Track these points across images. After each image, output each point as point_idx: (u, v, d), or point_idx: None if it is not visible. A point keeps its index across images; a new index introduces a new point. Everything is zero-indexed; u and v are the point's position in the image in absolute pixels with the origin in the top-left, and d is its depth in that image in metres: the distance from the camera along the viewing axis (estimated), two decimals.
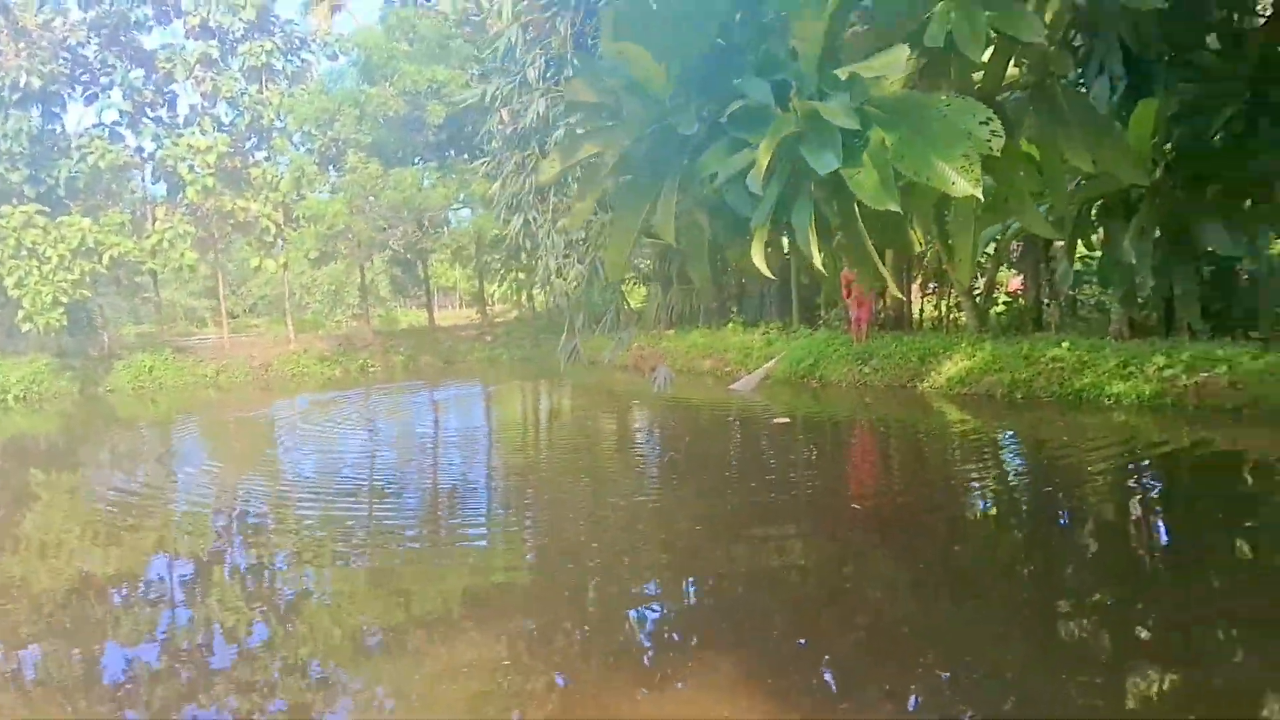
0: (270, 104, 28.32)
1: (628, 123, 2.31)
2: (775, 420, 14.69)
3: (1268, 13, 3.39)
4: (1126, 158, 2.53)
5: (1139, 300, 13.88)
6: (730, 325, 22.71)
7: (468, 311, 44.48)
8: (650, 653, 5.39)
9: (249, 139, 29.31)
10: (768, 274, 2.27)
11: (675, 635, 5.67)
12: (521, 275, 31.69)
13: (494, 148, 12.15)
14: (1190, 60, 3.15)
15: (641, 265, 25.65)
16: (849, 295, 17.06)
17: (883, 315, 19.25)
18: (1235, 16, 3.22)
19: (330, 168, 29.19)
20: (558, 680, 4.97)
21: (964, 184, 1.82)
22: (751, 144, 2.09)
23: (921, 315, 20.32)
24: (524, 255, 23.85)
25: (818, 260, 2.10)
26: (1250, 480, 9.12)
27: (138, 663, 5.53)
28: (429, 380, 24.22)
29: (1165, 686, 4.61)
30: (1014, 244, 16.89)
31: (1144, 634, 5.34)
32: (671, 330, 23.88)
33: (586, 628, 5.79)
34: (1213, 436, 10.53)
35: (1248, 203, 3.44)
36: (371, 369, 27.91)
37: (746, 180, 2.08)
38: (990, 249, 17.73)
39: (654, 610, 6.12)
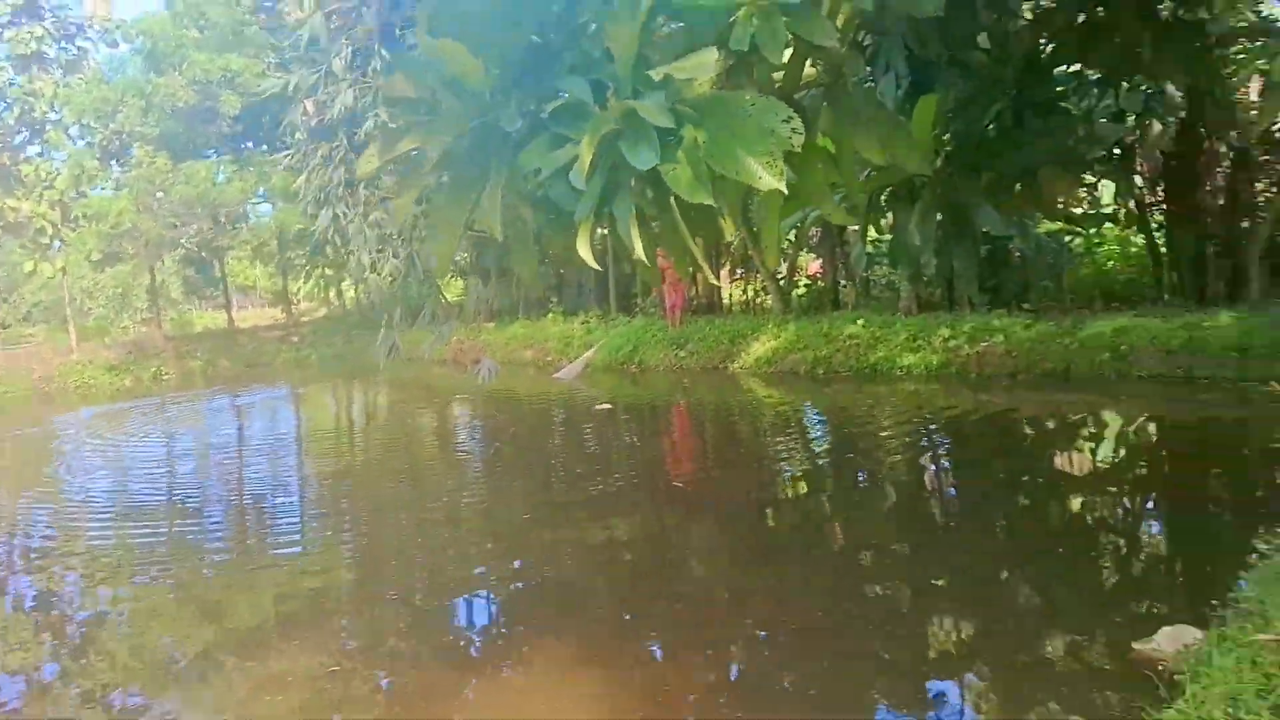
0: (43, 95, 25.73)
1: (448, 118, 2.33)
2: (597, 406, 14.90)
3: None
4: (912, 149, 2.79)
5: (924, 278, 15.04)
6: (550, 315, 22.80)
7: (271, 311, 42.24)
8: (479, 644, 5.41)
9: (19, 133, 26.54)
10: (594, 265, 2.36)
11: (504, 625, 5.71)
12: (329, 271, 30.50)
13: (298, 140, 11.63)
14: (964, 60, 3.49)
15: (459, 258, 25.37)
16: (665, 283, 17.53)
17: (696, 301, 19.89)
18: (1000, 19, 3.57)
19: (113, 162, 26.93)
20: (382, 683, 4.89)
21: (769, 179, 1.97)
22: (573, 140, 2.17)
23: (731, 300, 21.14)
24: (331, 250, 22.98)
25: (639, 250, 2.21)
26: (1025, 435, 10.09)
27: None
28: (230, 385, 22.90)
29: (959, 628, 5.07)
30: (812, 230, 17.87)
31: (939, 582, 5.83)
32: (491, 323, 23.73)
33: (412, 627, 5.72)
34: (992, 399, 11.57)
35: (1017, 188, 3.85)
36: (166, 376, 26.08)
37: (570, 175, 2.16)
38: (792, 235, 18.67)
39: (482, 603, 6.13)
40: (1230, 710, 2.56)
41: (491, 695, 4.66)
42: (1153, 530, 6.83)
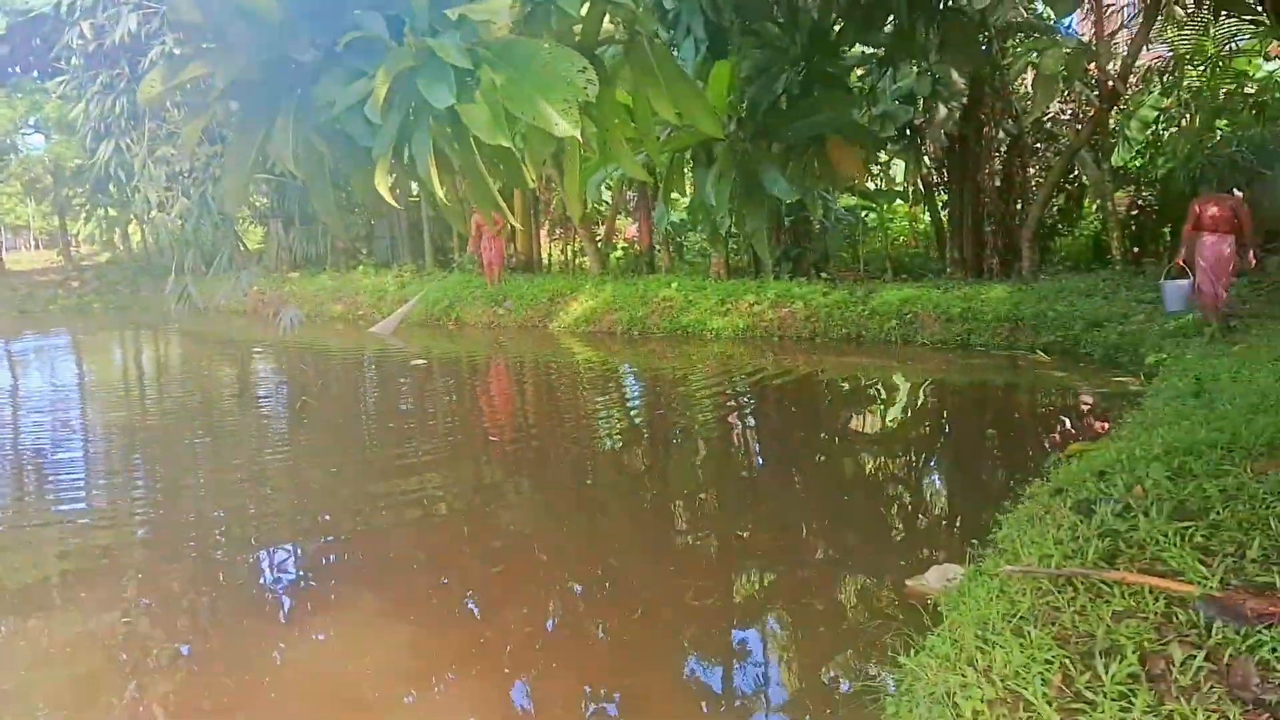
0: None
1: (237, 46, 2.25)
2: (413, 363, 14.63)
3: None
4: (705, 112, 2.93)
5: (729, 243, 15.55)
6: (360, 268, 22.03)
7: (47, 253, 38.46)
8: (284, 605, 5.27)
9: None
10: (393, 203, 2.36)
11: (310, 584, 5.59)
12: (113, 212, 28.08)
13: (74, 66, 10.62)
14: (756, 30, 3.68)
15: (258, 203, 23.98)
16: (478, 240, 17.31)
17: (514, 259, 19.76)
18: None
19: None
20: (182, 650, 4.68)
21: (565, 125, 2.04)
22: (369, 74, 2.16)
23: (550, 259, 21.15)
24: (115, 188, 21.17)
25: (438, 191, 2.23)
26: (821, 395, 10.76)
27: None
28: (2, 332, 20.81)
29: (759, 575, 5.41)
30: (630, 194, 18.14)
31: (743, 533, 6.18)
32: (296, 273, 22.64)
33: (212, 590, 5.49)
34: (792, 361, 12.24)
35: (810, 153, 4.10)
36: None
37: (365, 109, 2.15)
38: (608, 198, 18.86)
39: (286, 565, 5.95)
40: (979, 632, 2.88)
41: (294, 654, 4.58)
42: (930, 481, 7.51)
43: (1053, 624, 2.71)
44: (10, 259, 33.08)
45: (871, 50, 4.53)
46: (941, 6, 3.72)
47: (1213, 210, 9.24)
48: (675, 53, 3.62)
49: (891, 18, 3.60)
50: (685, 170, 4.03)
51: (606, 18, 2.60)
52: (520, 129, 2.53)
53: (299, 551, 6.09)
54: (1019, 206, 14.92)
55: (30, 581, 5.56)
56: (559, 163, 2.98)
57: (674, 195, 4.12)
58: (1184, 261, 9.56)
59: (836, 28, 3.80)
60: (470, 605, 5.16)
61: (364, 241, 23.68)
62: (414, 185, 2.78)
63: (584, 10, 2.50)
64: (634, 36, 2.62)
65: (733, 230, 15.32)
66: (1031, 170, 15.46)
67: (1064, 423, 8.69)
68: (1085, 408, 9.09)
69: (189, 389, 13.51)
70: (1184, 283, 9.72)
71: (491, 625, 4.82)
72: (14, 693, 4.18)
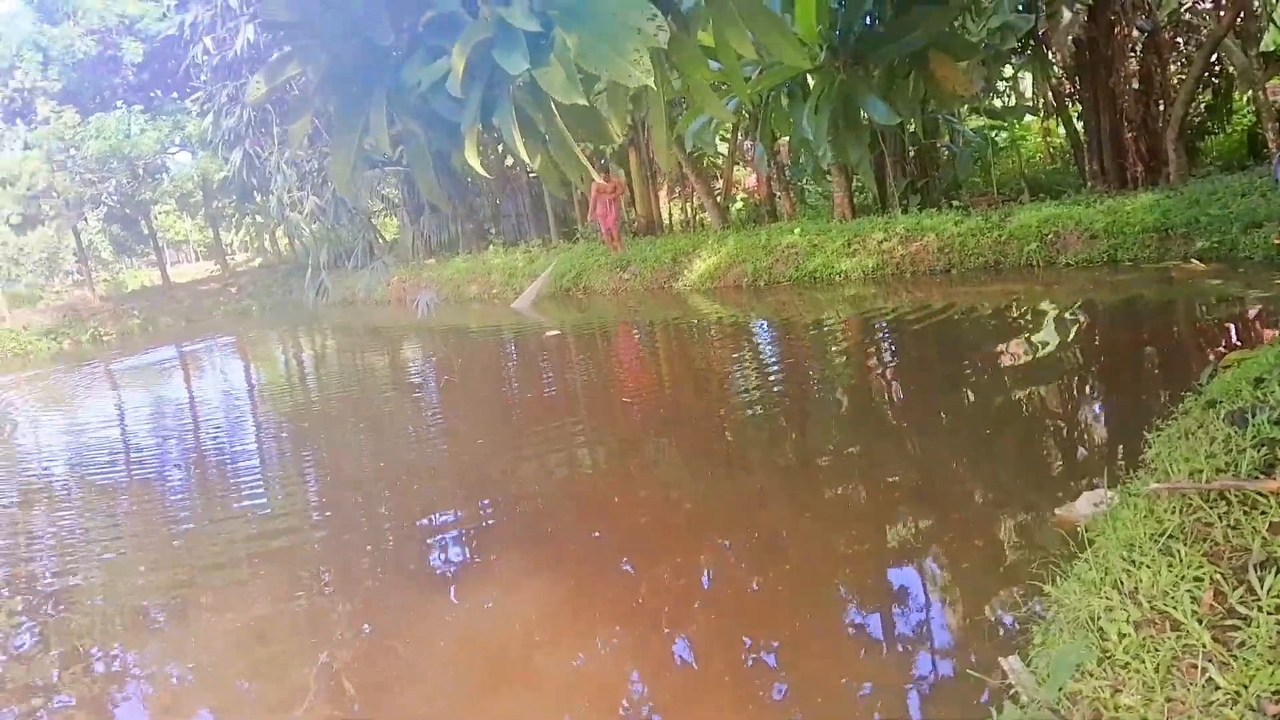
0: None
1: (326, 38, 2.36)
2: (547, 334, 14.98)
3: None
4: (790, 44, 2.86)
5: (823, 171, 15.15)
6: (491, 248, 22.62)
7: (206, 264, 41.29)
8: (450, 574, 5.55)
9: None
10: (483, 173, 2.43)
11: (472, 552, 5.85)
12: (259, 218, 29.84)
13: (203, 81, 11.28)
14: None
15: (390, 195, 24.91)
16: (595, 208, 17.47)
17: (635, 222, 19.86)
18: None
19: (18, 121, 25.87)
20: (359, 621, 4.99)
21: (638, 75, 2.05)
22: (449, 51, 2.22)
23: (671, 219, 21.14)
24: (257, 195, 22.44)
25: (524, 155, 2.29)
26: (961, 329, 10.39)
27: None
28: (172, 341, 22.51)
29: (913, 519, 5.30)
30: (746, 143, 17.85)
31: (893, 479, 6.04)
32: (432, 259, 23.48)
33: (384, 566, 5.82)
34: (929, 296, 11.85)
35: (910, 77, 3.94)
36: (106, 337, 25.54)
37: (447, 86, 2.21)
38: (723, 149, 18.64)
39: (449, 537, 6.22)
40: (1125, 554, 2.77)
41: (463, 615, 4.84)
42: (1082, 407, 7.16)
43: (1203, 540, 2.57)
44: (175, 273, 35.59)
45: None
46: None
47: None
48: None
49: None
50: (784, 107, 3.95)
51: None
52: (601, 87, 2.56)
53: (460, 522, 6.38)
54: (1160, 108, 13.88)
55: (223, 563, 6.05)
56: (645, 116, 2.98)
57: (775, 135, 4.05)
58: None
59: None
60: (624, 562, 5.28)
61: (491, 221, 24.28)
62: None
63: None
64: None
65: (828, 172, 14.89)
66: (1172, 67, 14.32)
67: (1223, 333, 8.10)
68: (1246, 315, 8.44)
69: (344, 379, 14.30)
70: None
71: (646, 579, 4.93)
72: (212, 666, 4.60)
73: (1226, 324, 8.42)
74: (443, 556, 5.81)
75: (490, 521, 6.31)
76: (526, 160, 2.37)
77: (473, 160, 2.34)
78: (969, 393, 7.90)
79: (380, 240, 21.03)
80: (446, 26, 2.26)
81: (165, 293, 29.43)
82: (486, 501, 6.63)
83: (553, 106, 2.34)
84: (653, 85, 2.10)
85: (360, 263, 10.95)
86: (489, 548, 5.81)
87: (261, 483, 8.27)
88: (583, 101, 2.10)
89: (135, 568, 6.24)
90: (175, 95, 25.88)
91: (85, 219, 28.52)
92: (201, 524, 7.14)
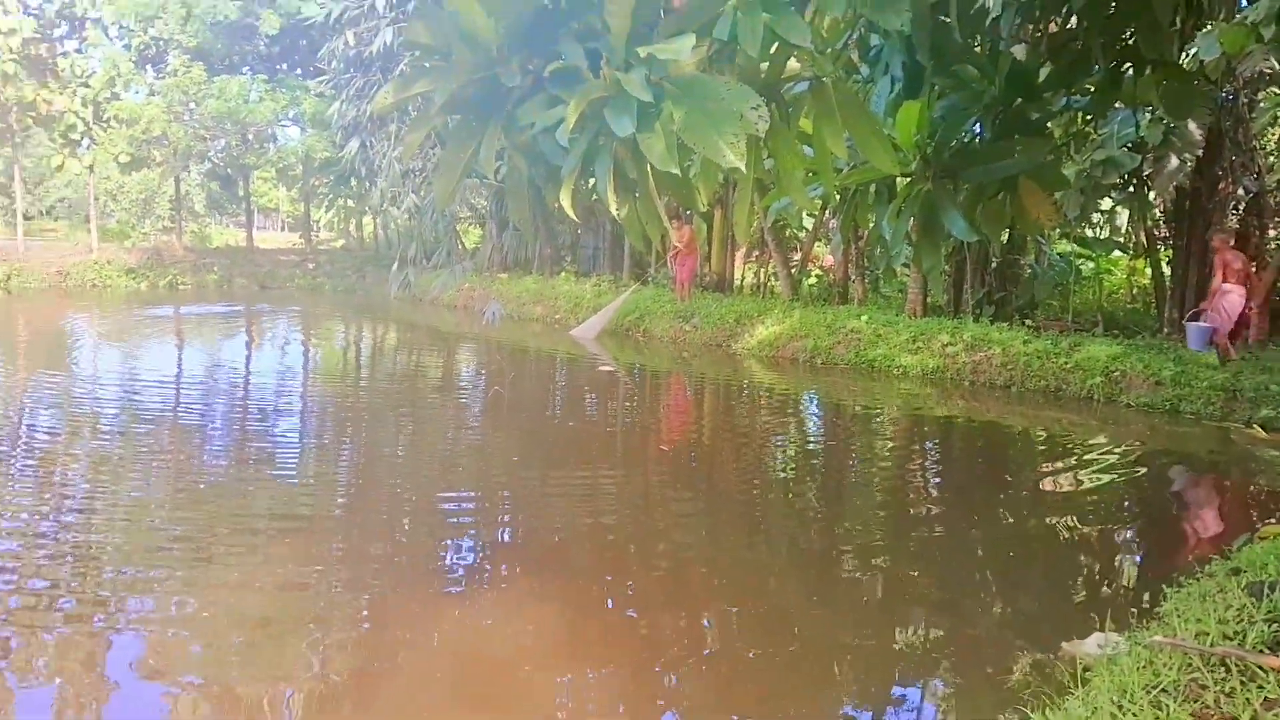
0: None
1: (458, 67, 2.56)
2: (600, 367, 15.18)
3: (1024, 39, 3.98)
4: (884, 149, 3.01)
5: (894, 271, 15.16)
6: (563, 275, 23.00)
7: (290, 236, 42.56)
8: (457, 576, 5.69)
9: (58, 26, 26.75)
10: (574, 216, 2.61)
11: (483, 561, 5.97)
12: (350, 204, 30.72)
13: (335, 69, 11.85)
14: (955, 71, 3.69)
15: (479, 205, 25.55)
16: (674, 256, 17.72)
17: (707, 277, 20.07)
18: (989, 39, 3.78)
19: (149, 68, 27.16)
20: (360, 605, 5.14)
21: (731, 157, 2.21)
22: (565, 101, 2.40)
23: (743, 281, 21.31)
24: (355, 182, 23.19)
25: (613, 206, 2.46)
26: (1012, 445, 10.32)
27: None
28: (246, 303, 23.23)
29: (922, 621, 5.30)
30: (830, 222, 18.01)
31: (913, 572, 6.05)
32: (505, 274, 23.95)
33: (396, 555, 5.98)
34: (984, 408, 11.79)
35: (998, 199, 4.06)
36: (182, 286, 26.47)
37: (558, 133, 2.40)
38: (808, 224, 18.82)
39: (464, 541, 6.36)
40: (1115, 700, 2.81)
41: (463, 618, 4.97)
42: (1116, 547, 7.06)
43: (1195, 701, 2.60)
44: (260, 238, 36.71)
45: (1079, 97, 4.40)
46: (1156, 57, 3.60)
47: None
48: (873, 87, 3.70)
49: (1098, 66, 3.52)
50: (867, 205, 4.09)
51: (793, 59, 2.75)
52: (695, 158, 2.72)
53: (477, 529, 6.54)
54: (1253, 269, 13.70)
55: (240, 529, 6.26)
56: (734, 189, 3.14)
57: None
58: None
59: (1041, 72, 3.75)
60: (629, 605, 5.37)
61: (569, 250, 24.73)
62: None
63: (774, 48, 2.65)
64: (817, 75, 2.75)
65: (906, 265, 14.93)
66: (1272, 232, 14.16)
67: (1269, 505, 7.95)
68: None
69: (398, 371, 14.64)
70: None
71: (648, 627, 5.00)
72: (208, 622, 4.76)
73: (1275, 495, 8.26)
74: (455, 563, 5.95)
75: (506, 535, 6.45)
76: (615, 212, 2.54)
77: (566, 203, 2.51)
78: (1005, 510, 7.84)
79: (460, 246, 21.54)
80: (568, 79, 2.44)
81: (247, 255, 30.39)
82: (506, 518, 6.77)
83: (648, 168, 2.51)
84: (743, 169, 2.25)
85: (439, 263, 11.30)
86: (499, 560, 5.93)
87: (296, 456, 8.53)
88: (677, 172, 2.26)
89: (158, 512, 6.50)
90: (299, 73, 26.92)
91: (188, 170, 29.67)
92: (230, 482, 7.40)
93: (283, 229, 48.34)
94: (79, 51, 27.07)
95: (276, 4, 25.08)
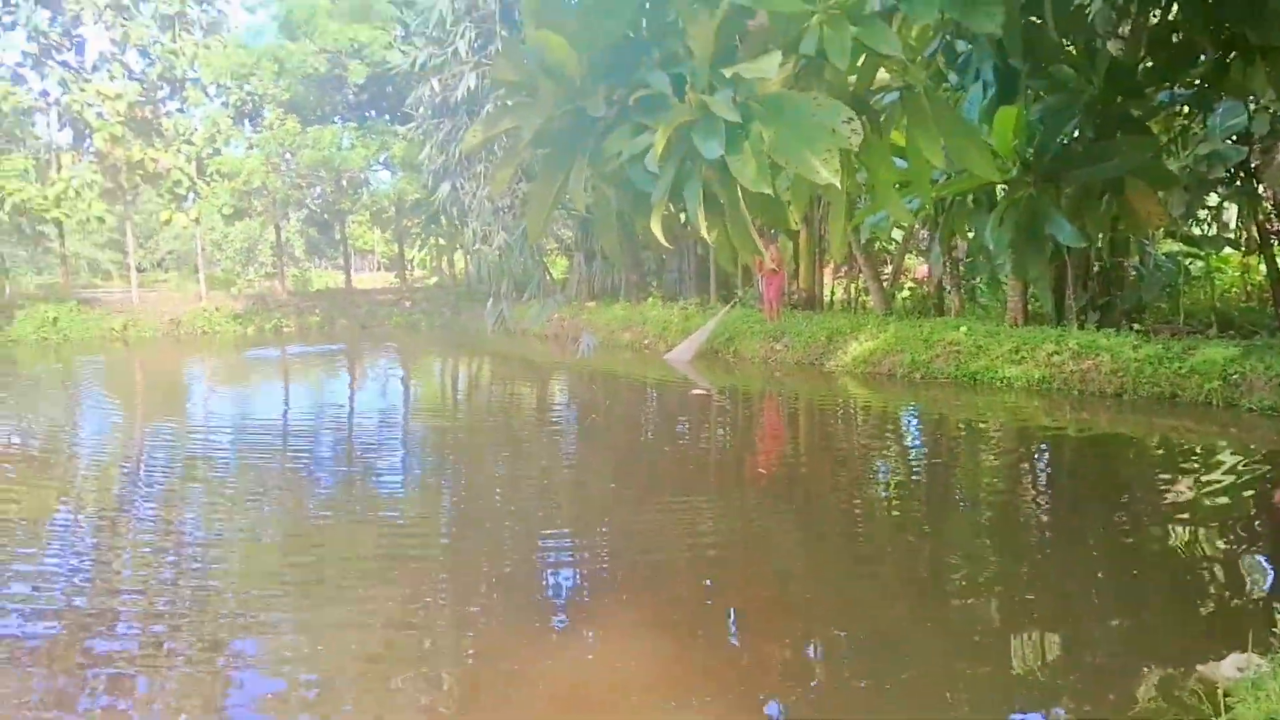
0: (183, 54, 27.43)
1: (544, 101, 2.58)
2: (693, 391, 15.13)
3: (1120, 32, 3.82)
4: (982, 157, 2.91)
5: (1000, 281, 14.64)
6: (650, 300, 23.09)
7: (385, 275, 43.91)
8: (558, 608, 5.69)
9: (161, 89, 28.37)
10: (664, 243, 2.58)
11: (584, 592, 5.98)
12: (442, 241, 31.55)
13: (422, 114, 12.25)
14: (1050, 72, 3.56)
15: (564, 236, 25.91)
16: (762, 275, 17.60)
17: (795, 295, 19.86)
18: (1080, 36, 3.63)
19: (246, 122, 28.51)
20: (465, 639, 5.20)
21: (825, 173, 2.15)
22: (652, 128, 2.39)
23: (832, 297, 21.01)
24: (445, 221, 23.83)
25: (704, 231, 2.42)
26: (1128, 457, 9.85)
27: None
28: (348, 343, 24.02)
29: (1042, 652, 5.06)
30: (924, 232, 17.62)
31: (1029, 596, 5.80)
32: (594, 302, 24.18)
33: (498, 589, 6.03)
34: (1095, 419, 11.30)
35: (1103, 200, 3.89)
36: (286, 328, 27.52)
37: (645, 160, 2.38)
38: (898, 236, 18.47)
39: (564, 572, 6.38)
40: None
41: (564, 651, 4.96)
42: (1246, 564, 6.65)
43: None
44: (357, 279, 37.96)
45: (1183, 90, 4.19)
46: (1266, 43, 3.40)
47: None
48: (964, 94, 3.60)
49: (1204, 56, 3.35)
50: (966, 214, 3.96)
51: (882, 69, 2.68)
52: (787, 175, 2.67)
53: (578, 560, 6.54)
54: None
55: (348, 571, 6.39)
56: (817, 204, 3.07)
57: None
58: None
59: (1141, 67, 3.59)
60: (732, 634, 5.28)
61: (654, 275, 24.84)
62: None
63: (861, 61, 2.59)
64: (908, 85, 2.67)
65: (1008, 275, 14.46)
66: None
67: None
68: None
69: (495, 405, 14.87)
70: None
71: (751, 655, 4.91)
72: (318, 655, 4.87)
73: None
74: (557, 596, 5.95)
75: (605, 565, 6.43)
76: (705, 235, 2.50)
77: (656, 230, 2.49)
78: (1123, 525, 7.46)
79: (549, 277, 21.90)
80: (653, 106, 2.43)
81: (346, 296, 31.45)
82: (605, 547, 6.76)
83: (738, 190, 2.47)
84: (838, 185, 2.19)
85: (530, 296, 11.50)
86: (600, 590, 5.91)
87: (400, 492, 8.70)
88: (769, 192, 2.21)
89: (270, 555, 6.70)
90: (387, 118, 27.86)
91: (288, 218, 30.95)
92: (338, 523, 7.59)
93: (378, 269, 49.88)
94: (181, 111, 28.64)
95: (363, 54, 26.06)
